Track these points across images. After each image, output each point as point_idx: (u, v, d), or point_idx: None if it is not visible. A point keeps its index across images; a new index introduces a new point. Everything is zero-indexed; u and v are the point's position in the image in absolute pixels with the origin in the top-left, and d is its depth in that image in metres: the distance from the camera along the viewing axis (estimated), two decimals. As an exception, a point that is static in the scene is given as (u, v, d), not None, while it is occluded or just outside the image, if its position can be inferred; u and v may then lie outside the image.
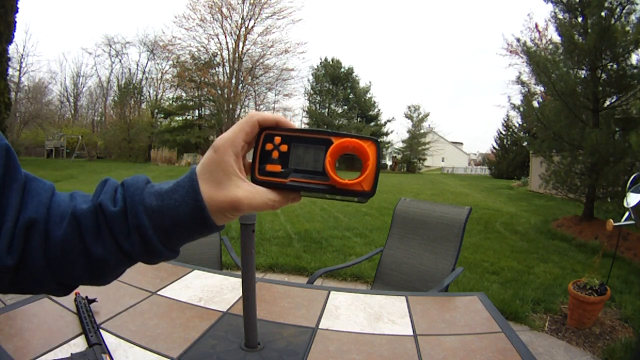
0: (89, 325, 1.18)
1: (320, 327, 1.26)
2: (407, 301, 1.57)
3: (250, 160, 0.53)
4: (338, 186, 0.49)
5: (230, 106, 36.55)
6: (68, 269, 0.52)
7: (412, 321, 1.40)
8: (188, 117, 40.62)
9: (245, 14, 37.04)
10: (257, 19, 37.29)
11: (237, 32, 37.11)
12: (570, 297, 3.45)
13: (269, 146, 0.52)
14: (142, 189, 0.50)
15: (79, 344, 1.14)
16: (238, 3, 36.47)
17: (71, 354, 1.04)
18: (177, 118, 40.79)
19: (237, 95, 37.16)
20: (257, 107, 41.53)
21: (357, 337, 1.24)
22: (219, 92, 36.64)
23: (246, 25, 37.09)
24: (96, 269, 0.52)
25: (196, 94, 38.94)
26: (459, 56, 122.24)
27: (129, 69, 40.15)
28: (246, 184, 0.50)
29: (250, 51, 38.14)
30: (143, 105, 41.09)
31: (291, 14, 39.03)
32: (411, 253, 2.61)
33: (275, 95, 42.39)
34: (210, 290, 1.63)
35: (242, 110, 39.80)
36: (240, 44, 37.26)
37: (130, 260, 0.52)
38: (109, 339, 1.19)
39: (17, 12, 6.26)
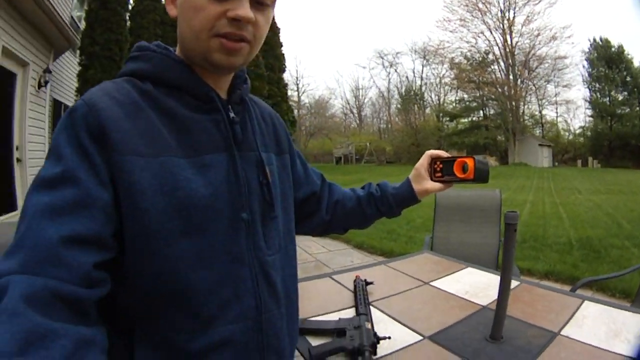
0: (361, 300, 1.41)
1: (561, 333, 1.20)
2: (657, 323, 1.32)
3: (428, 172, 1.14)
4: (460, 178, 1.06)
5: (513, 103, 34.39)
6: (351, 221, 1.20)
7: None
8: (473, 119, 40.21)
9: (502, 5, 34.82)
10: (515, 8, 34.41)
11: (501, 25, 35.00)
12: None
13: (435, 166, 1.13)
14: (387, 185, 1.18)
15: (349, 314, 1.38)
16: (491, -4, 34.43)
17: (339, 317, 1.30)
18: (462, 120, 40.89)
19: (518, 91, 34.73)
20: (540, 102, 37.84)
21: (590, 349, 1.13)
22: (499, 90, 35.00)
23: (507, 17, 34.64)
24: (366, 221, 1.20)
25: (477, 95, 38.27)
26: None
27: (407, 77, 42.40)
28: (429, 182, 1.13)
29: (519, 44, 35.51)
30: (427, 110, 42.60)
31: (545, -4, 34.48)
32: None
33: (555, 87, 37.82)
34: (477, 286, 1.69)
35: (525, 106, 36.97)
36: (508, 38, 34.98)
37: (381, 216, 1.18)
38: (375, 313, 1.40)
39: (282, 46, 7.97)
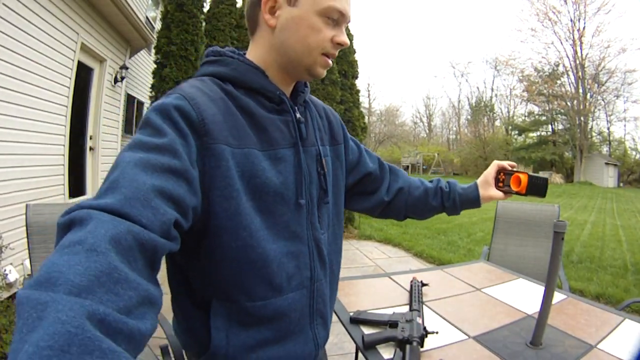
0: (415, 298, 1.52)
1: (598, 346, 1.27)
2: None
3: (494, 181, 1.27)
4: (515, 191, 1.21)
5: (582, 118, 32.89)
6: (414, 209, 1.29)
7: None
8: (542, 133, 38.69)
9: (572, 15, 33.48)
10: (585, 18, 33.01)
11: (571, 36, 33.60)
12: None
13: (499, 176, 1.26)
14: (456, 185, 1.29)
15: (403, 310, 1.46)
16: (562, 5, 33.40)
17: (393, 312, 1.41)
18: (531, 134, 39.54)
19: (587, 106, 33.22)
20: (608, 118, 36.02)
21: (620, 365, 1.19)
22: (568, 104, 33.61)
23: (578, 28, 33.22)
24: (427, 212, 1.29)
25: (547, 108, 36.78)
26: None
27: (477, 88, 41.59)
28: (494, 189, 1.26)
29: (589, 55, 33.79)
30: (497, 123, 41.47)
31: (614, 5, 33.10)
32: None
33: (624, 102, 35.83)
34: (526, 296, 1.75)
35: (594, 122, 35.24)
36: (579, 50, 33.50)
37: (442, 211, 1.29)
38: (427, 312, 1.51)
39: (355, 52, 8.08)
